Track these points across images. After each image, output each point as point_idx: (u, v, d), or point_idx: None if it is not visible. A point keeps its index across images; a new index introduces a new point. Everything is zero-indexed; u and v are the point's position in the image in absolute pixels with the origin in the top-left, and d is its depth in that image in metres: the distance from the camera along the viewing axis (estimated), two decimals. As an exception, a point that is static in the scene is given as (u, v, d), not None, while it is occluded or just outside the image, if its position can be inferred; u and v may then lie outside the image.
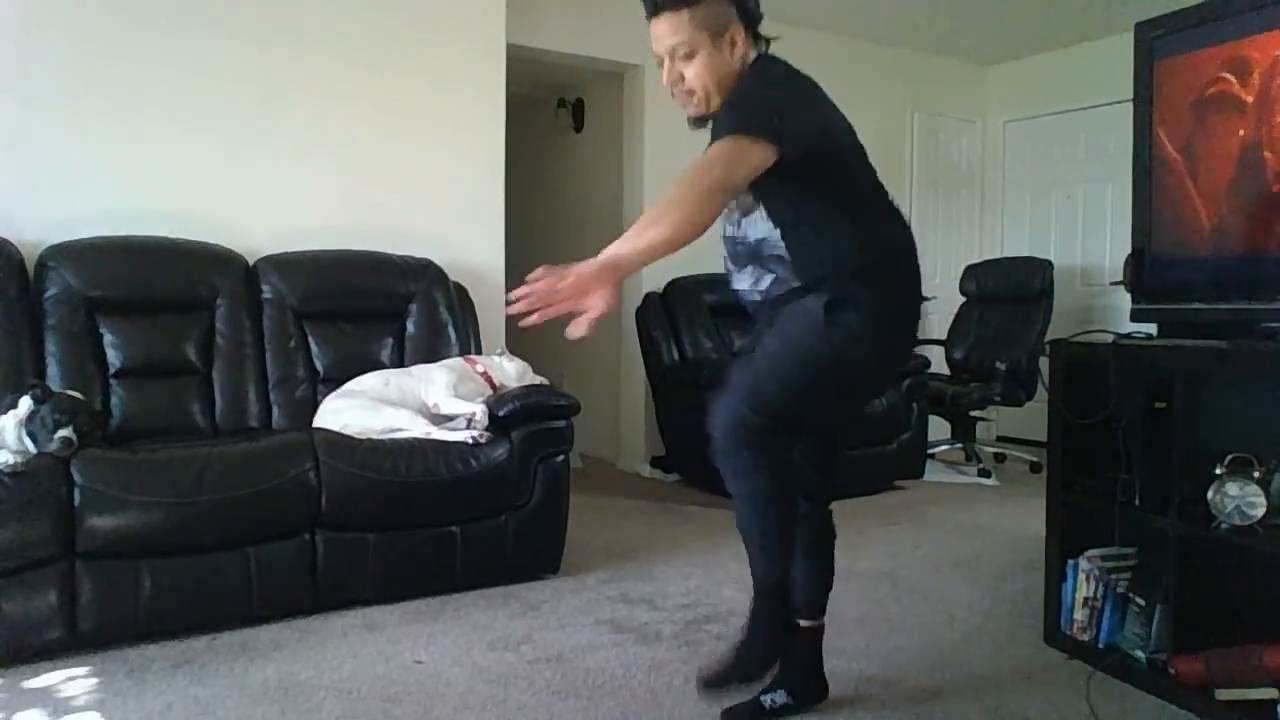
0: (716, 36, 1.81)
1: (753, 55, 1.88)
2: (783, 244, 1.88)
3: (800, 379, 1.83)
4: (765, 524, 1.89)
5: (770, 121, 1.72)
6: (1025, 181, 6.25)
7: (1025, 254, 5.79)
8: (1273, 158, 2.14)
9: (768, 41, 1.91)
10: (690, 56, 1.82)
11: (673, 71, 1.85)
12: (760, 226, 1.91)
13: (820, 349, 1.81)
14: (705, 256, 2.48)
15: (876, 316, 1.84)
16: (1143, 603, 2.29)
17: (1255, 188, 2.20)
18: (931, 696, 2.21)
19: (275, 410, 3.19)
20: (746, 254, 1.95)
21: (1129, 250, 2.54)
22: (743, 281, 1.98)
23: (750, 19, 1.87)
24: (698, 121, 1.90)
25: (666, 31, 1.82)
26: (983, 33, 5.69)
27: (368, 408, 2.97)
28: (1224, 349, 2.13)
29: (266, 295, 3.28)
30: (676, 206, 1.63)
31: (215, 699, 2.15)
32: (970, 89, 6.38)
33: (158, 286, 3.10)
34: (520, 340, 4.22)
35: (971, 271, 5.69)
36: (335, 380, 3.20)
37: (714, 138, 1.79)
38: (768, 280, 1.93)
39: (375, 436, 2.86)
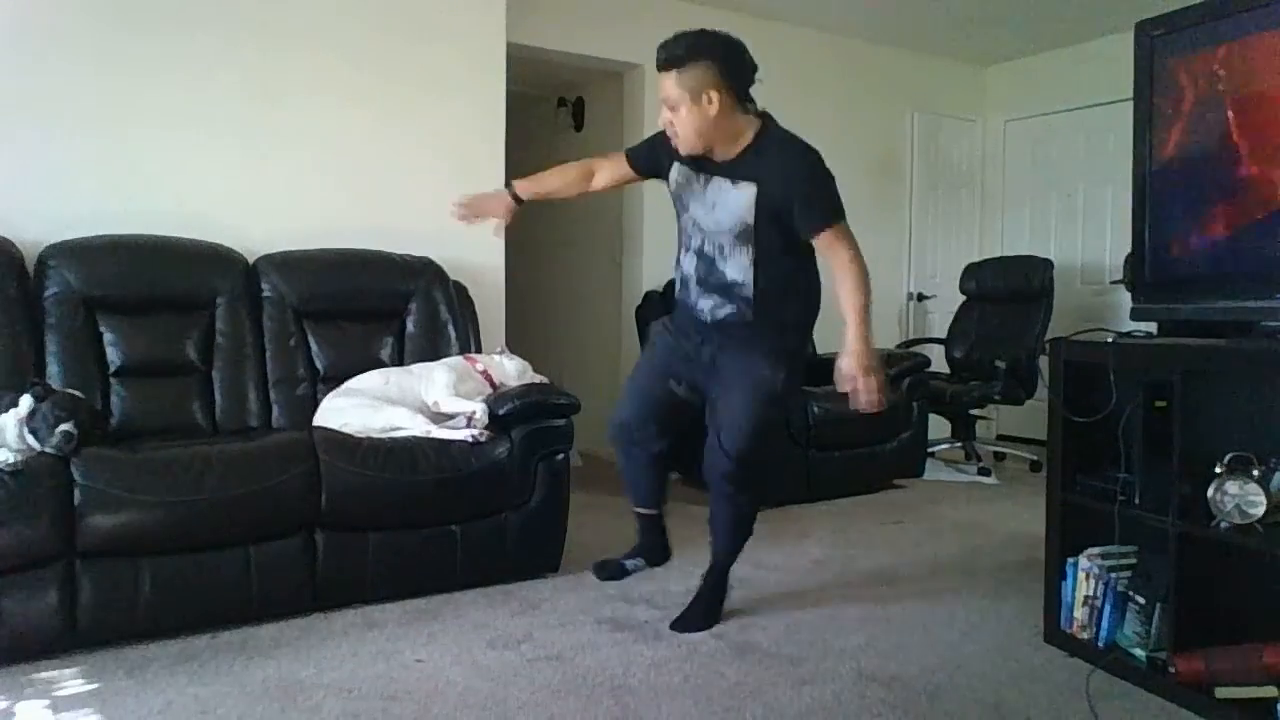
0: (696, 96, 2.30)
1: (741, 112, 2.37)
2: (752, 287, 2.43)
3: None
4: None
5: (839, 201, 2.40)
6: (1025, 181, 6.25)
7: (1025, 253, 5.80)
8: (1273, 156, 2.14)
9: (754, 101, 2.41)
10: (675, 109, 2.34)
11: (663, 116, 2.39)
12: (738, 270, 2.45)
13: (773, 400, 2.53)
14: (705, 255, 2.52)
15: (797, 356, 2.59)
16: (1143, 601, 2.29)
17: (1255, 186, 2.19)
18: (931, 695, 2.21)
19: (275, 409, 3.19)
20: (718, 287, 2.49)
21: (1129, 249, 2.54)
22: (704, 304, 2.53)
23: (732, 82, 2.33)
24: (686, 157, 2.44)
25: (662, 85, 2.35)
26: (983, 33, 5.69)
27: (368, 406, 2.97)
28: (1224, 348, 2.14)
29: (267, 294, 3.28)
30: (865, 283, 2.38)
31: (215, 697, 2.15)
32: (970, 89, 6.38)
33: (158, 285, 3.10)
34: (520, 339, 4.22)
35: (971, 270, 5.69)
36: (335, 379, 3.19)
37: (783, 204, 2.36)
38: (726, 310, 2.49)
39: (375, 435, 2.86)
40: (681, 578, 3.09)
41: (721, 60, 2.32)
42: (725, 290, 2.48)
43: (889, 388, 3.17)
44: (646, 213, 4.96)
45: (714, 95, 2.30)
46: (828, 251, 2.40)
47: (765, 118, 2.44)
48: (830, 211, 2.38)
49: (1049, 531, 2.55)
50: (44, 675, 2.26)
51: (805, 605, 2.84)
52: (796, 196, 2.35)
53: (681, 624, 2.65)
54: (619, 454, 2.76)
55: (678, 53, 2.32)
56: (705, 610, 2.68)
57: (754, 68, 2.40)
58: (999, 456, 5.43)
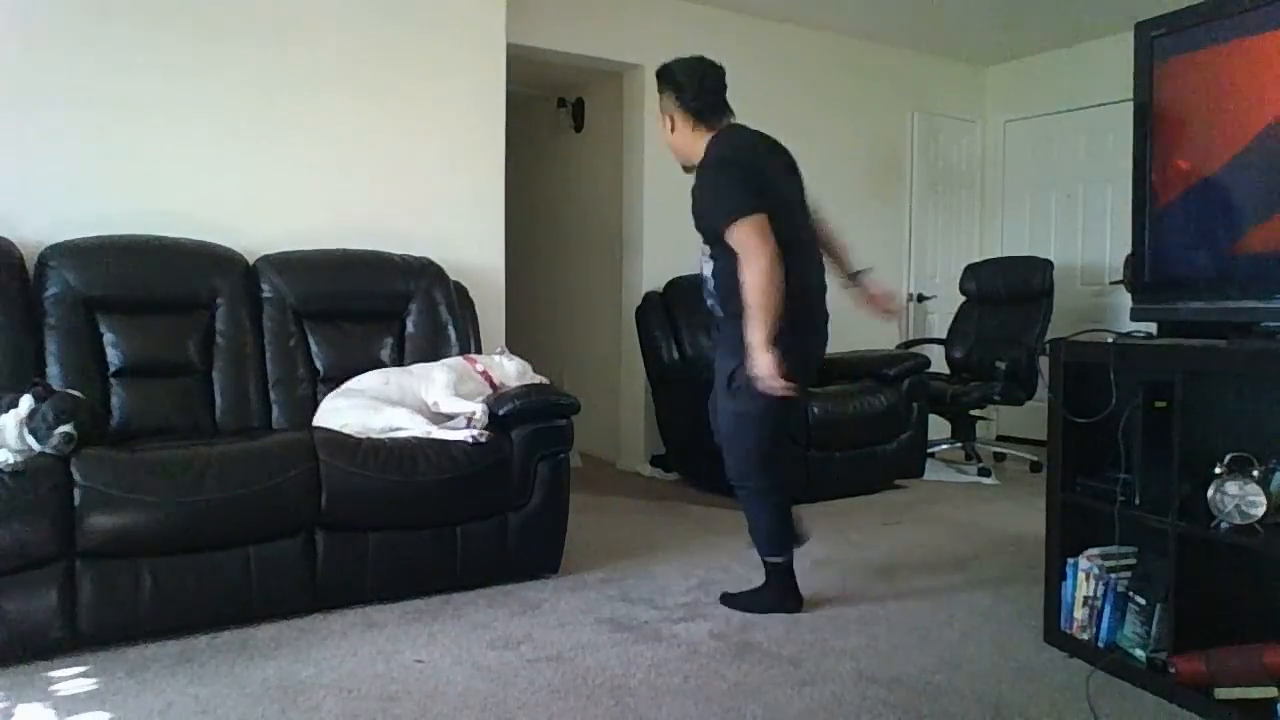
0: (664, 117, 2.76)
1: (704, 130, 2.66)
2: (714, 285, 2.64)
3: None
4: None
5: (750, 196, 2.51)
6: (1025, 181, 6.25)
7: (1025, 253, 5.80)
8: (1273, 157, 2.13)
9: (715, 121, 2.68)
10: (662, 127, 2.80)
11: None
12: (707, 269, 2.67)
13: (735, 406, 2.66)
14: (705, 256, 2.51)
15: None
16: (1143, 602, 2.29)
17: (1255, 186, 2.20)
18: (931, 696, 2.21)
19: (275, 409, 3.19)
20: (704, 286, 2.73)
21: (1129, 249, 2.54)
22: (709, 301, 2.75)
23: (687, 105, 2.67)
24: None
25: None
26: (983, 33, 5.69)
27: (368, 407, 2.97)
28: (1224, 348, 2.13)
29: (266, 295, 3.28)
30: (757, 291, 2.45)
31: (215, 698, 2.15)
32: (970, 89, 6.38)
33: (158, 286, 3.10)
34: (520, 339, 4.22)
35: (972, 271, 5.69)
36: (335, 379, 3.19)
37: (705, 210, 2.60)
38: (717, 309, 2.71)
39: (375, 436, 2.86)
40: (681, 577, 3.10)
41: (674, 87, 2.69)
42: (708, 289, 2.74)
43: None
44: (647, 213, 4.96)
45: (672, 117, 2.72)
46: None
47: (721, 130, 2.67)
48: (722, 217, 2.52)
49: (1049, 532, 2.55)
50: (44, 676, 2.26)
51: (805, 605, 2.83)
52: (698, 209, 2.62)
53: (729, 599, 2.83)
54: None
55: (657, 80, 2.77)
56: (751, 598, 2.80)
57: (712, 89, 2.68)
58: (999, 457, 5.43)
